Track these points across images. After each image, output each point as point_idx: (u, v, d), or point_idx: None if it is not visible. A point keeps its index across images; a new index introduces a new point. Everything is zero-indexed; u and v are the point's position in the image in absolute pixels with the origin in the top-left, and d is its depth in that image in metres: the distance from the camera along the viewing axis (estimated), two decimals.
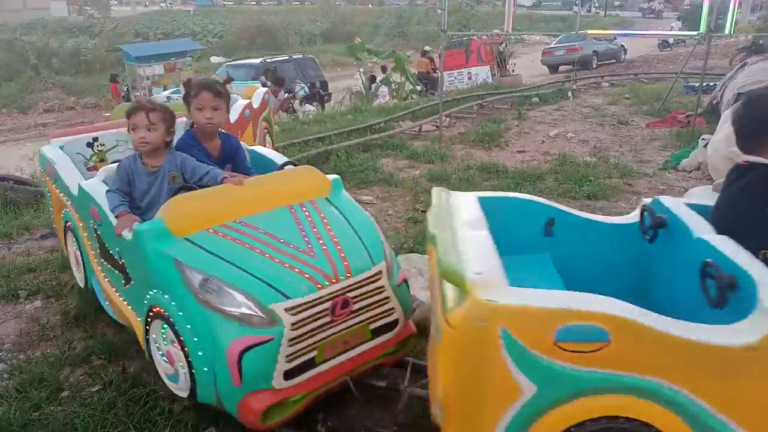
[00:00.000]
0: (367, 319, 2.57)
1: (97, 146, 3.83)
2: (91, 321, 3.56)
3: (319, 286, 2.42)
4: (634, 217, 2.70)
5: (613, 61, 21.39)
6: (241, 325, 2.29)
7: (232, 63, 15.97)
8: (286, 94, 11.13)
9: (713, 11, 8.27)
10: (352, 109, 11.24)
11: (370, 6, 44.29)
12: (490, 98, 11.54)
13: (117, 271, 2.97)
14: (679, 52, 22.34)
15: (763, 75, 8.08)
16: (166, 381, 2.62)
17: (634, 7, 52.87)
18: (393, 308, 2.65)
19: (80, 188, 3.15)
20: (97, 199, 2.97)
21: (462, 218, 2.32)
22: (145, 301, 2.60)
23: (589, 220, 2.74)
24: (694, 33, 9.85)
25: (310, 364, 2.41)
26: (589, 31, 13.45)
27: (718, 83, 9.94)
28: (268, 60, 13.96)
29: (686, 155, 7.15)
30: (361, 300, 2.53)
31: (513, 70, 16.45)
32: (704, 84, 10.38)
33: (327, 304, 2.41)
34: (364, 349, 2.59)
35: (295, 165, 3.23)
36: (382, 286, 2.61)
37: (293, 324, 2.31)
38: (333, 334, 2.46)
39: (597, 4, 48.38)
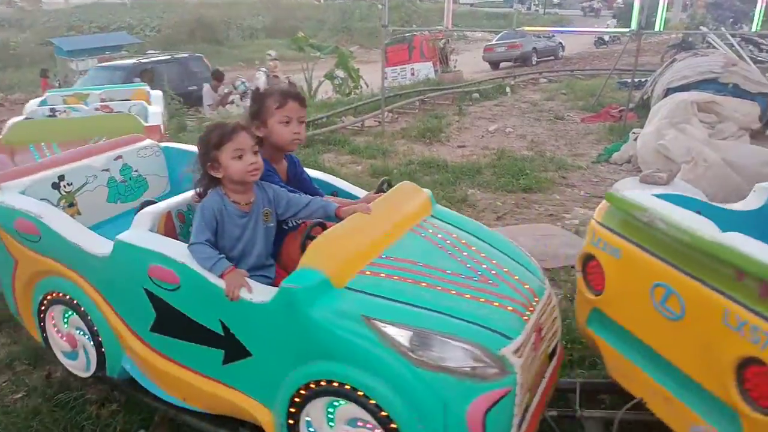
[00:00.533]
0: (548, 345, 2.30)
1: (64, 186, 3.00)
2: (14, 326, 3.41)
3: (525, 318, 2.10)
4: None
5: (552, 57, 21.90)
6: (474, 381, 1.88)
7: (100, 65, 14.16)
8: (226, 90, 10.93)
9: (644, 9, 8.60)
10: None
11: (315, 1, 43.96)
12: (432, 94, 11.65)
13: (206, 346, 2.29)
14: (614, 49, 23.07)
15: (689, 71, 8.44)
16: None
17: (574, 5, 54.27)
18: (558, 326, 2.41)
19: (124, 245, 2.36)
20: (170, 256, 2.24)
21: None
22: (288, 379, 2.07)
23: None
24: (626, 30, 10.21)
25: (527, 409, 2.10)
26: (526, 28, 13.76)
27: (648, 79, 10.33)
28: (144, 60, 13.16)
29: (618, 148, 7.41)
30: (545, 324, 2.25)
31: (455, 67, 16.62)
32: (636, 80, 10.78)
33: (533, 337, 2.09)
34: (548, 377, 2.33)
35: (390, 183, 2.73)
36: (555, 306, 2.37)
37: (522, 368, 1.96)
38: (535, 368, 2.16)
39: (537, 2, 49.49)
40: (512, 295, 2.17)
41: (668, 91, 8.20)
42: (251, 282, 2.14)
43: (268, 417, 2.16)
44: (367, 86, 12.62)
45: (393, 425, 1.90)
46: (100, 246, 2.48)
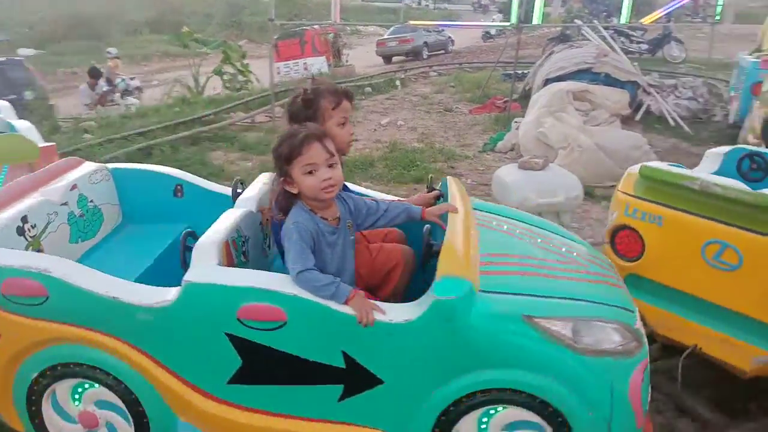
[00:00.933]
0: None
1: (29, 230, 2.44)
2: None
3: (624, 289, 2.28)
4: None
5: (442, 51, 22.40)
6: (627, 358, 1.97)
7: None
8: (105, 88, 10.33)
9: (523, 4, 8.98)
10: (180, 101, 10.69)
11: None
12: None
13: (318, 384, 2.08)
14: (500, 42, 23.95)
15: (565, 62, 8.90)
16: None
17: (463, 0, 55.89)
18: None
19: (200, 287, 2.02)
20: (274, 290, 1.98)
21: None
22: (432, 399, 1.99)
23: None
24: (507, 24, 10.62)
25: None
26: (413, 22, 13.97)
27: (530, 71, 10.80)
28: None
29: (502, 138, 7.70)
30: None
31: (347, 61, 16.62)
32: (519, 72, 11.24)
33: None
34: None
35: (432, 178, 2.69)
36: None
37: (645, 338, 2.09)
38: None
39: None
40: (602, 272, 2.31)
41: (546, 82, 8.61)
42: (380, 303, 1.99)
43: None
44: (258, 81, 12.33)
45: (560, 418, 1.95)
46: (151, 295, 2.07)
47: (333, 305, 1.94)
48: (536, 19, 9.14)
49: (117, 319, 2.08)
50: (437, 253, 2.04)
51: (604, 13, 16.49)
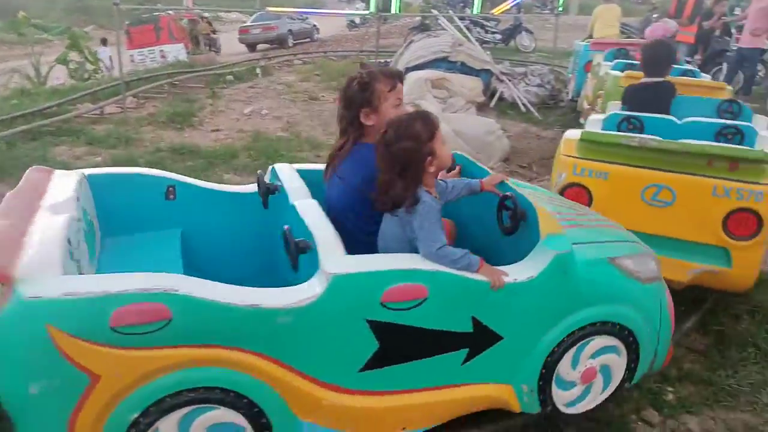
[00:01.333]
0: None
1: (72, 252, 2.05)
2: None
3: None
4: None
5: (308, 39, 22.24)
6: (661, 281, 2.55)
7: None
8: None
9: None
10: (18, 93, 9.74)
11: None
12: (183, 77, 11.06)
13: (445, 353, 2.18)
14: (366, 31, 24.27)
15: (423, 51, 9.18)
16: (563, 409, 2.46)
17: None
18: None
19: (349, 277, 1.96)
20: (418, 268, 2.04)
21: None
22: (540, 345, 2.29)
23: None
24: (366, 13, 10.75)
25: None
26: (271, 9, 13.72)
27: (392, 60, 11.03)
28: None
29: None
30: None
31: (208, 48, 16.02)
32: (382, 60, 11.45)
33: None
34: None
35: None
36: None
37: None
38: None
39: None
40: (599, 216, 2.83)
41: (407, 70, 8.83)
42: (500, 267, 2.19)
43: (509, 392, 2.33)
44: (108, 70, 11.54)
45: (632, 338, 2.41)
46: (294, 295, 1.94)
47: (468, 275, 2.10)
48: (394, 9, 9.32)
49: (250, 328, 1.90)
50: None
51: (461, 4, 17.19)
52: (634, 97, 4.19)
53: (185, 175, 5.54)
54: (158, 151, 6.60)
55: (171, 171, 5.71)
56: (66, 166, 5.89)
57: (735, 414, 2.76)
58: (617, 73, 5.77)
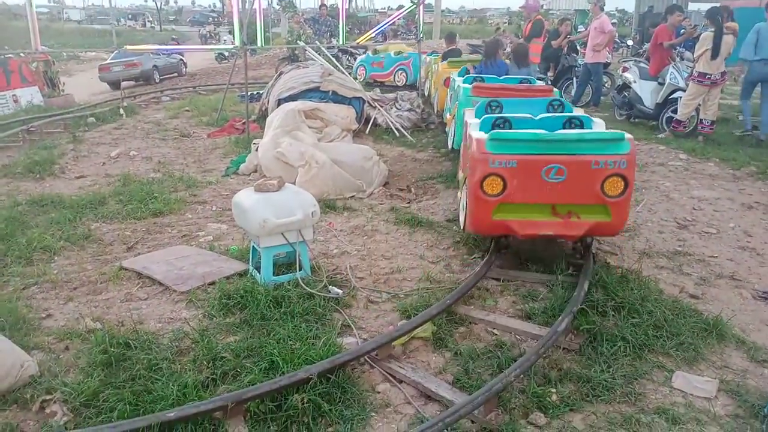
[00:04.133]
0: None
1: None
2: None
3: None
4: None
5: (175, 74, 21.58)
6: None
7: None
8: None
9: (244, 27, 9.07)
10: None
11: None
12: (39, 122, 10.32)
13: None
14: (236, 63, 23.93)
15: (294, 82, 9.22)
16: None
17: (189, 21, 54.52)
18: None
19: None
20: None
21: None
22: None
23: None
24: (231, 47, 10.64)
25: None
26: (128, 47, 13.21)
27: (263, 91, 10.97)
28: None
29: (244, 160, 7.68)
30: None
31: (63, 90, 15.05)
32: (255, 92, 11.34)
33: None
34: None
35: None
36: None
37: None
38: None
39: (151, 19, 48.20)
40: None
41: (279, 102, 8.83)
42: None
43: None
44: None
45: None
46: None
47: None
48: (259, 42, 9.32)
49: None
50: None
51: (328, 33, 17.46)
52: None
53: (49, 228, 5.18)
54: (16, 205, 6.10)
55: (30, 226, 5.35)
56: None
57: (613, 406, 2.99)
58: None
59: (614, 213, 4.17)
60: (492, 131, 4.29)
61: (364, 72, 15.50)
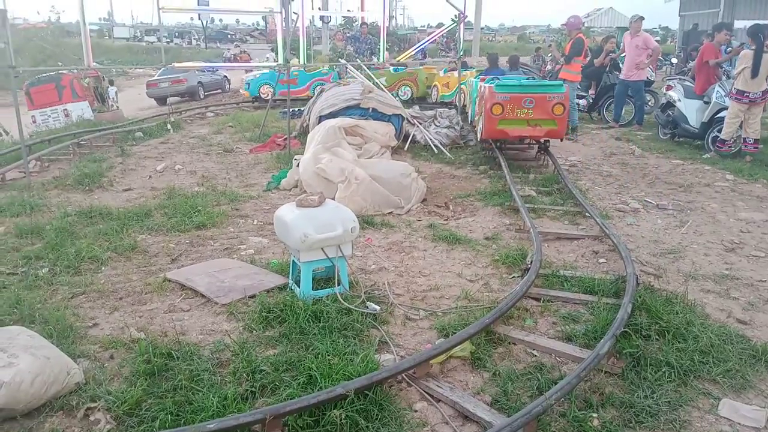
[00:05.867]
0: None
1: None
2: None
3: None
4: None
5: (219, 90, 22.14)
6: None
7: None
8: None
9: (287, 45, 9.25)
10: None
11: None
12: (89, 136, 10.70)
13: None
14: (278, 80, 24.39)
15: (335, 99, 9.35)
16: None
17: (234, 39, 55.84)
18: None
19: None
20: None
21: None
22: None
23: None
24: (275, 64, 10.86)
25: None
26: (176, 64, 13.63)
27: (304, 108, 11.15)
28: None
29: (285, 175, 7.80)
30: None
31: (114, 105, 15.59)
32: (296, 109, 11.53)
33: None
34: None
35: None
36: None
37: None
38: None
39: (197, 37, 49.58)
40: None
41: (320, 119, 8.96)
42: None
43: None
44: (7, 133, 10.99)
45: None
46: None
47: None
48: (302, 59, 9.51)
49: None
50: None
51: (369, 51, 17.67)
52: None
53: (97, 239, 5.36)
54: (66, 216, 6.31)
55: (79, 237, 5.53)
56: None
57: None
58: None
59: (559, 124, 8.01)
60: (496, 82, 8.35)
61: (271, 91, 15.06)
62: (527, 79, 10.13)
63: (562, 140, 8.66)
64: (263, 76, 16.21)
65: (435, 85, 15.48)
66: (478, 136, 8.71)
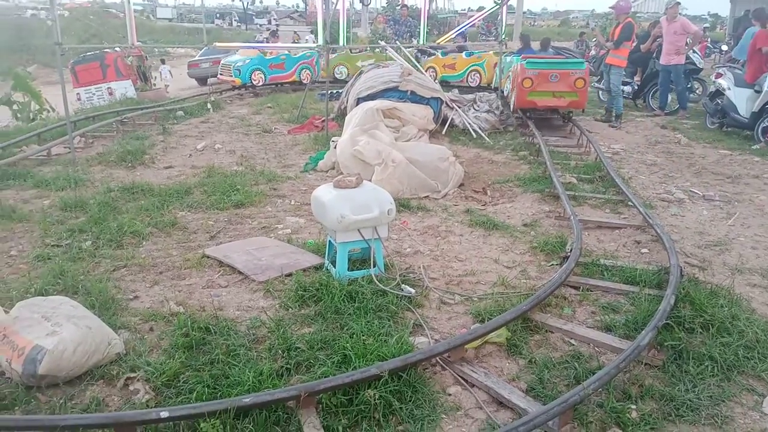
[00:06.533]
0: None
1: None
2: None
3: None
4: None
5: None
6: None
7: None
8: None
9: (327, 27, 9.21)
10: None
11: None
12: (132, 114, 10.89)
13: None
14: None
15: (374, 81, 9.29)
16: None
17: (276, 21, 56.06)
18: None
19: None
20: None
21: None
22: None
23: None
24: (314, 45, 10.84)
25: None
26: (217, 44, 13.73)
27: (343, 90, 11.11)
28: None
29: (322, 157, 7.81)
30: None
31: (155, 84, 15.82)
32: (334, 91, 11.52)
33: None
34: None
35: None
36: None
37: None
38: None
39: (237, 18, 49.87)
40: None
41: (359, 101, 8.92)
42: None
43: None
44: (54, 110, 11.26)
45: None
46: None
47: None
48: (342, 41, 9.47)
49: None
50: None
51: (408, 34, 17.51)
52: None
53: (138, 214, 5.47)
54: (109, 191, 6.45)
55: (121, 212, 5.64)
56: (12, 210, 5.74)
57: (697, 428, 2.83)
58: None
59: (580, 96, 9.52)
60: (526, 60, 9.66)
61: (263, 76, 15.48)
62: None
63: (583, 111, 10.57)
64: (253, 61, 15.52)
65: (432, 67, 15.34)
66: (511, 107, 10.27)
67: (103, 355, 3.21)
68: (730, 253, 4.96)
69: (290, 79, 15.68)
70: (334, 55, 14.72)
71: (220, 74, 16.28)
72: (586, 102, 9.93)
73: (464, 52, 15.72)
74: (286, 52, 15.83)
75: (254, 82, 15.49)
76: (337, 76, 15.54)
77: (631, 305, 3.94)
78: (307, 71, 15.67)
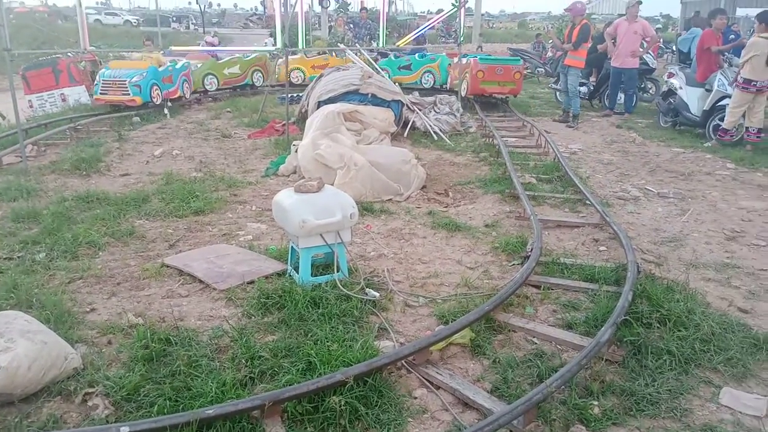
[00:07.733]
0: None
1: None
2: None
3: None
4: None
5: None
6: None
7: None
8: None
9: (286, 30, 9.16)
10: None
11: None
12: (86, 120, 10.61)
13: None
14: (277, 65, 24.15)
15: (334, 84, 9.26)
16: None
17: (232, 24, 55.45)
18: None
19: None
20: None
21: None
22: None
23: None
24: (273, 48, 10.76)
25: None
26: (173, 48, 13.47)
27: (303, 94, 11.04)
28: None
29: (283, 161, 7.74)
30: None
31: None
32: (294, 95, 11.44)
33: None
34: None
35: None
36: None
37: None
38: None
39: (195, 21, 49.15)
40: None
41: (319, 104, 8.88)
42: None
43: None
44: (4, 118, 10.87)
45: None
46: None
47: None
48: (300, 44, 9.43)
49: None
50: None
51: (368, 36, 17.53)
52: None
53: (94, 224, 5.32)
54: (63, 201, 6.26)
55: (76, 222, 5.48)
56: None
57: (657, 421, 2.90)
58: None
59: (517, 85, 12.36)
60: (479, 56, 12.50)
61: (160, 90, 11.81)
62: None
63: (516, 96, 13.01)
64: (150, 75, 11.81)
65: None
66: (462, 94, 12.26)
67: (59, 370, 3.11)
68: (685, 248, 5.11)
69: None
70: (280, 61, 13.50)
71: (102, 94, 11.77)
72: (521, 90, 13.00)
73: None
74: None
75: (154, 100, 11.83)
76: (293, 80, 15.08)
77: (590, 302, 4.01)
78: (187, 85, 13.44)
